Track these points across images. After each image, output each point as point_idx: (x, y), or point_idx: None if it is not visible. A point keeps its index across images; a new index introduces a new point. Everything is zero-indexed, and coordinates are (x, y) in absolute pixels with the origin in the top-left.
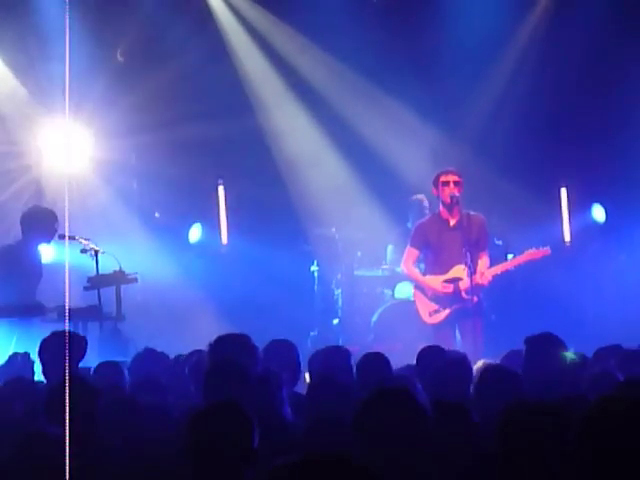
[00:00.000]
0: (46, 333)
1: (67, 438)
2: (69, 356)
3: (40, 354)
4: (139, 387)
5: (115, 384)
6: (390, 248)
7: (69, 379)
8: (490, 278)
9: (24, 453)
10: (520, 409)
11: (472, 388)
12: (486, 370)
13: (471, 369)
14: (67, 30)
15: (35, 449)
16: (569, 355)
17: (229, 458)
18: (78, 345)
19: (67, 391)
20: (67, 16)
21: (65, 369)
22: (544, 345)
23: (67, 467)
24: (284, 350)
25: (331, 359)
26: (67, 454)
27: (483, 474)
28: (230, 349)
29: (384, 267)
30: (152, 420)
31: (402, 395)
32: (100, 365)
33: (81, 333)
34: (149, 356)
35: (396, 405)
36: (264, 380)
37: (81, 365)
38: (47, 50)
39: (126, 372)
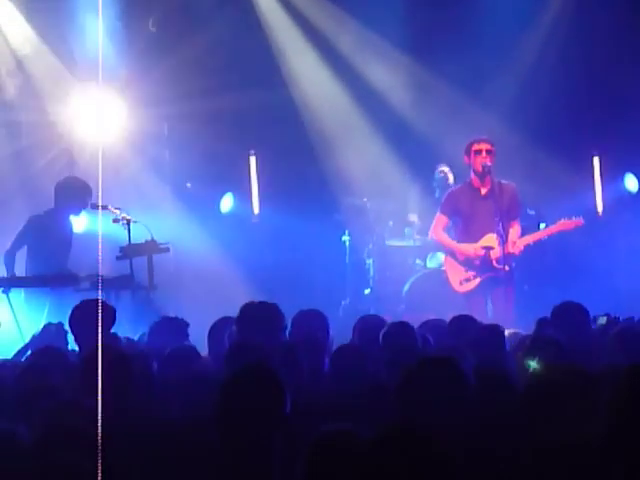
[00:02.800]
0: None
1: (100, 406)
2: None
3: (70, 324)
4: (172, 355)
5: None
6: (413, 217)
7: (103, 347)
8: (522, 247)
9: (58, 421)
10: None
11: (515, 357)
12: (534, 340)
13: (504, 338)
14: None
15: (69, 418)
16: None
17: (260, 422)
18: (107, 313)
19: (100, 359)
20: None
21: (96, 337)
22: (571, 314)
23: (99, 435)
24: (313, 320)
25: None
26: (99, 422)
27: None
28: (257, 316)
29: (416, 237)
30: (185, 387)
31: (447, 364)
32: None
33: (113, 302)
34: (169, 325)
35: (441, 374)
36: (291, 348)
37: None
38: (79, 19)
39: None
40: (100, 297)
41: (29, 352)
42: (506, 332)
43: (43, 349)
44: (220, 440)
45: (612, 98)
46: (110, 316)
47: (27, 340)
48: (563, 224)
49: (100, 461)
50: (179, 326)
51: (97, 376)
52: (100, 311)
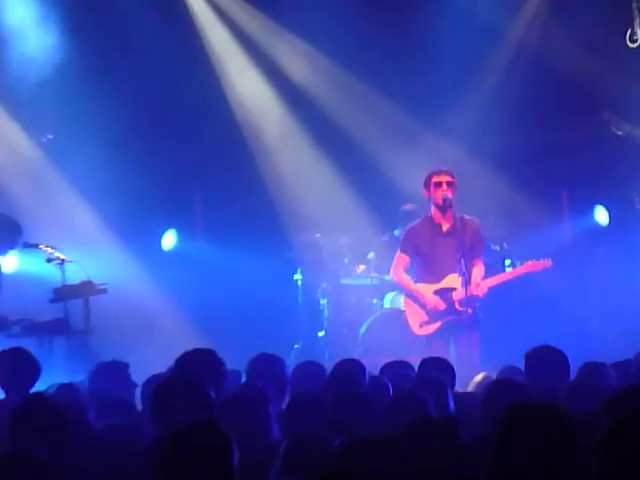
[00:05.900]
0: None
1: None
2: (24, 376)
3: None
4: (104, 407)
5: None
6: (371, 255)
7: (33, 400)
8: (486, 289)
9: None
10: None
11: (479, 404)
12: (493, 385)
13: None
14: None
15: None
16: None
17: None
18: (31, 365)
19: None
20: None
21: (23, 389)
22: (544, 359)
23: None
24: (270, 365)
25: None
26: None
27: None
28: (194, 366)
29: (373, 275)
30: (120, 442)
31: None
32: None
33: (47, 348)
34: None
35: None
36: (239, 398)
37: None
38: None
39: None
40: (22, 346)
41: None
42: (480, 376)
43: None
44: None
45: (580, 128)
46: (34, 368)
47: None
48: (530, 265)
49: None
50: (119, 369)
51: (27, 428)
52: (22, 363)
